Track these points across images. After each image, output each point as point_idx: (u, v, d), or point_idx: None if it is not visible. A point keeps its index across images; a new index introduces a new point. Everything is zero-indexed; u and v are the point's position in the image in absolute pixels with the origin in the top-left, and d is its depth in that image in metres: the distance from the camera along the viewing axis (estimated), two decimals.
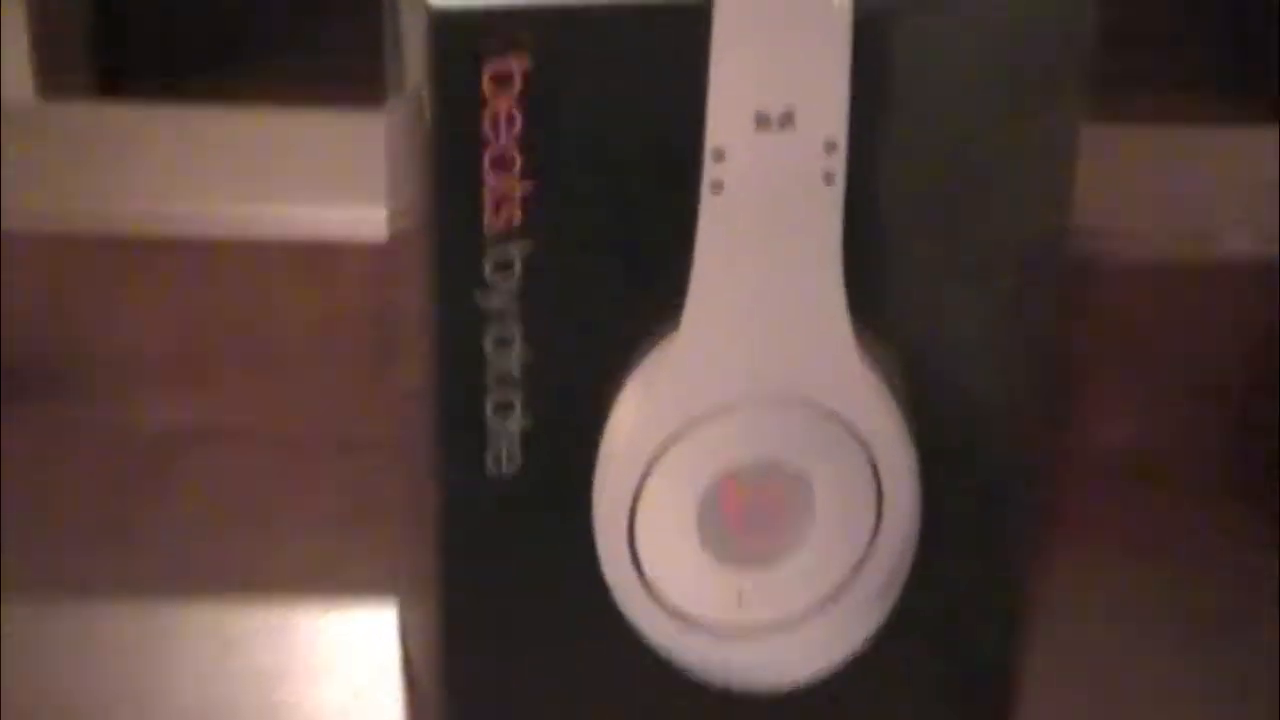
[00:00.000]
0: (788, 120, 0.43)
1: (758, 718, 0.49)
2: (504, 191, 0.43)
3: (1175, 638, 0.57)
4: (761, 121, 0.43)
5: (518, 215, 0.43)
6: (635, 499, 0.46)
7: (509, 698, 0.48)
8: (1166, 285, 0.64)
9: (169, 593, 0.58)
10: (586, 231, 0.43)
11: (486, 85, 0.41)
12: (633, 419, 0.45)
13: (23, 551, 0.59)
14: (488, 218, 0.43)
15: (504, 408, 0.45)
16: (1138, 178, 0.65)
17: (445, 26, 0.41)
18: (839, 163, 0.43)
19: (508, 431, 0.45)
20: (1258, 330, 0.64)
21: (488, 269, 0.43)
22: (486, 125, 0.42)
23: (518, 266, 0.43)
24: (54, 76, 1.22)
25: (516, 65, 0.41)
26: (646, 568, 0.47)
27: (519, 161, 0.42)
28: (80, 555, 0.59)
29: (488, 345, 0.44)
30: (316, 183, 0.65)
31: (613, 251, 0.44)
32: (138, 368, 0.65)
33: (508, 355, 0.44)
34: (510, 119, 0.42)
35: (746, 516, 0.47)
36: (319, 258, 0.64)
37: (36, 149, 0.68)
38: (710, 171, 0.43)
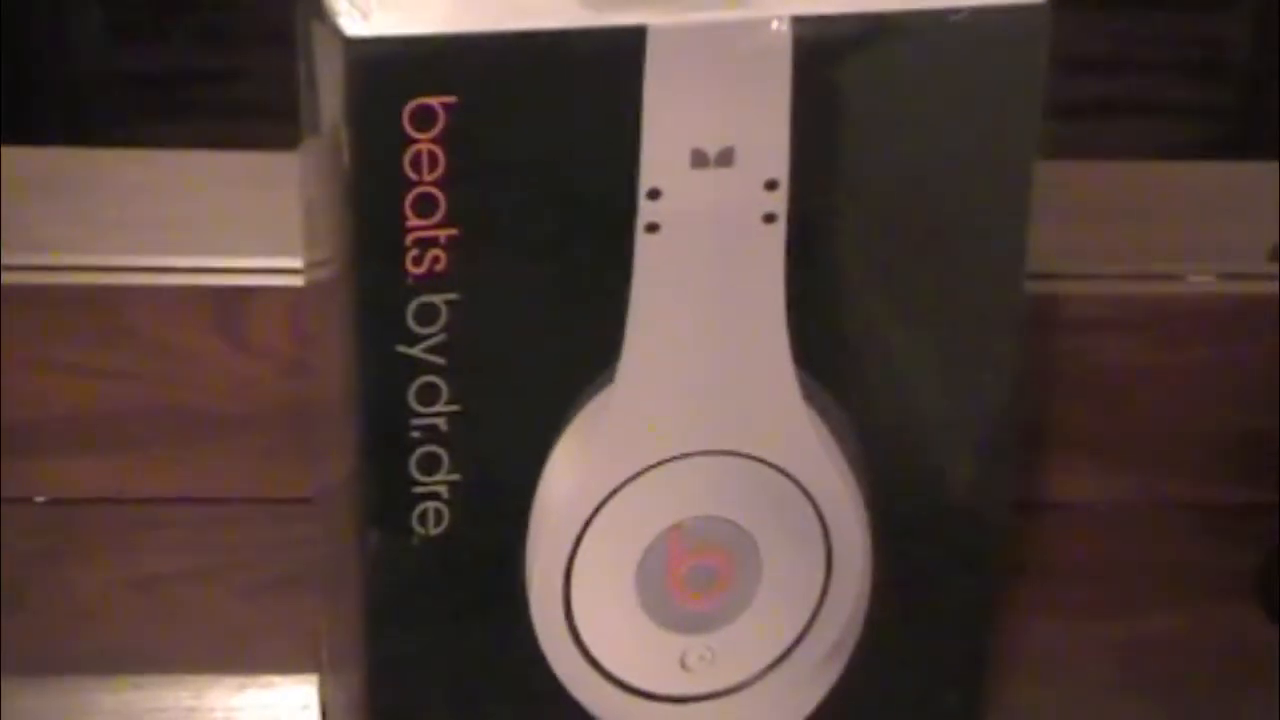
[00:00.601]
0: (726, 158, 0.42)
1: None
2: (427, 236, 0.41)
3: (1143, 701, 0.57)
4: (699, 160, 0.42)
5: (442, 262, 0.41)
6: (570, 561, 0.45)
7: None
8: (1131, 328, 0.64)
9: (75, 670, 0.56)
10: (515, 279, 0.42)
11: (407, 123, 0.40)
12: (567, 476, 0.44)
13: None
14: (410, 264, 0.41)
15: (430, 464, 0.43)
16: (1100, 214, 0.65)
17: (363, 59, 0.40)
18: (781, 202, 0.42)
19: (435, 489, 0.44)
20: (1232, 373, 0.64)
21: (410, 319, 0.42)
22: (407, 166, 0.41)
23: (443, 316, 0.42)
24: None
25: (440, 102, 0.40)
26: (584, 633, 0.46)
27: (443, 204, 0.41)
28: None
29: (412, 399, 0.43)
30: (229, 228, 0.64)
31: (544, 300, 0.42)
32: (41, 430, 0.64)
33: (433, 409, 0.43)
34: (433, 159, 0.41)
35: (688, 577, 0.46)
36: (233, 306, 0.63)
37: None
38: (645, 213, 0.42)
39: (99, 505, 0.63)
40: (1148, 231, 0.66)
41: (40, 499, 0.63)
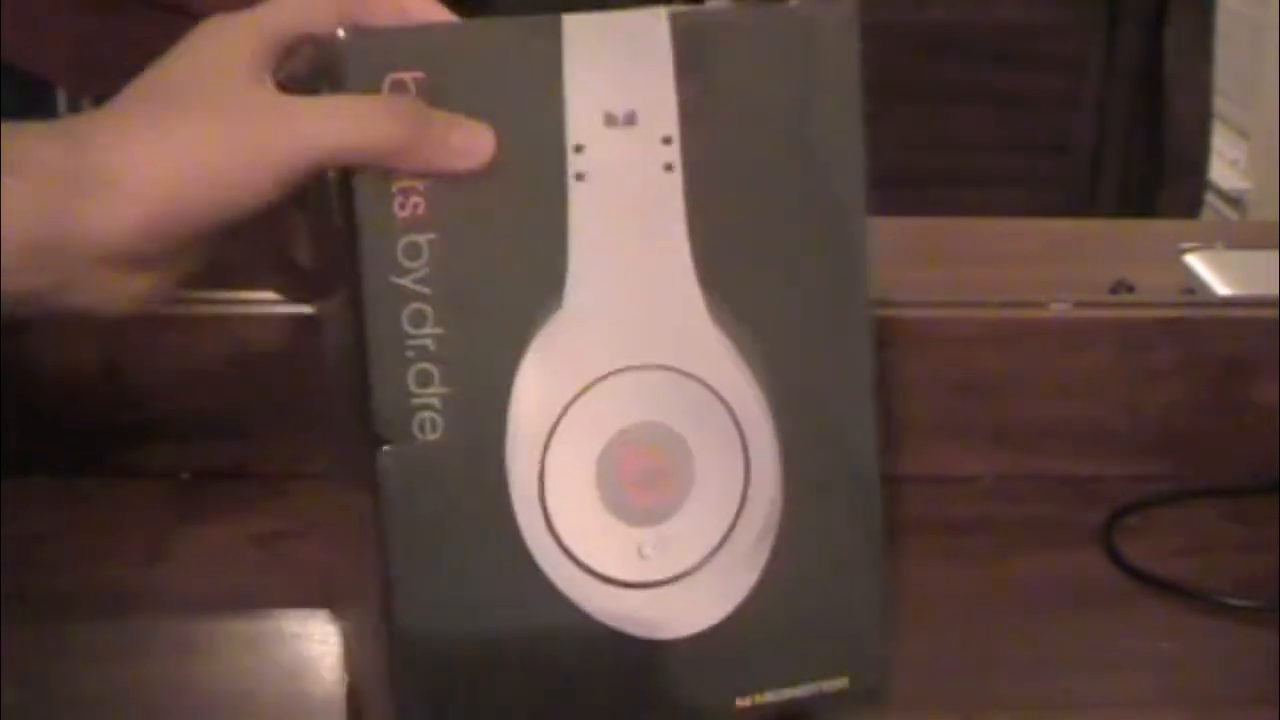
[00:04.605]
0: (631, 119, 0.42)
1: (661, 662, 0.45)
2: (409, 186, 0.41)
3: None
4: (610, 120, 0.42)
5: (421, 207, 0.41)
6: (542, 465, 0.43)
7: (442, 641, 0.44)
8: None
9: (207, 606, 0.56)
10: (478, 220, 0.42)
11: (387, 94, 0.40)
12: (533, 387, 0.43)
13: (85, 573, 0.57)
14: (397, 209, 0.41)
15: (424, 378, 0.42)
16: (990, 259, 0.65)
17: (354, 44, 0.41)
18: (676, 154, 0.42)
19: (429, 401, 0.42)
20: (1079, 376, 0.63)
21: (400, 254, 0.42)
22: None
23: (425, 252, 0.42)
24: None
25: (411, 77, 0.41)
26: (558, 527, 0.44)
27: None
28: (120, 574, 0.57)
29: (405, 322, 0.42)
30: None
31: (502, 237, 0.42)
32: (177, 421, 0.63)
33: (423, 331, 0.42)
34: None
35: (639, 476, 0.44)
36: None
37: None
38: (573, 164, 0.42)
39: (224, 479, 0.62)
40: (1021, 271, 0.66)
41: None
